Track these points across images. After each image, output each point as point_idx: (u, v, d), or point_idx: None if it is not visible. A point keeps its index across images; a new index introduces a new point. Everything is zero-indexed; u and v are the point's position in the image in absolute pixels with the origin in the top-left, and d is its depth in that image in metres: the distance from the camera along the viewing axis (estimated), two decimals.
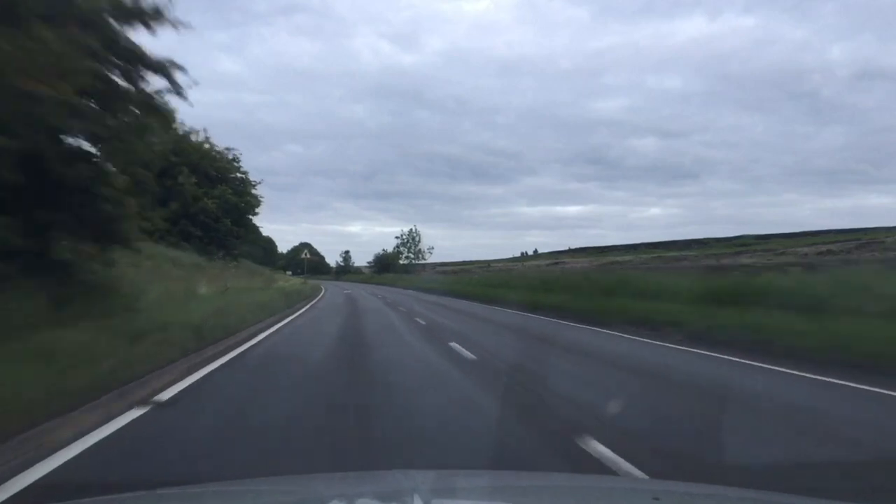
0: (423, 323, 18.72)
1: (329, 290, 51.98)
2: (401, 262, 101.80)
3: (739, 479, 3.80)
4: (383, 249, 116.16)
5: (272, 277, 44.98)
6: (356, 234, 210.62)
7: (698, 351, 11.73)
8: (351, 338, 14.44)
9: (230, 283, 21.50)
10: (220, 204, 30.12)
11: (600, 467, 4.46)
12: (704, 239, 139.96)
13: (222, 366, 9.68)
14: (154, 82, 11.43)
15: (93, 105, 10.35)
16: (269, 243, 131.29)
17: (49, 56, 8.47)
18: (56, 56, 8.55)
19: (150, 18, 10.55)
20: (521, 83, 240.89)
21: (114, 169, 11.92)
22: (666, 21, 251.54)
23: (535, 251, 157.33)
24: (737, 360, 10.59)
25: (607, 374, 9.72)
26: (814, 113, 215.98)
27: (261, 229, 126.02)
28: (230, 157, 33.29)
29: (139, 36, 10.92)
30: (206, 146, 31.73)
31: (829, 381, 8.52)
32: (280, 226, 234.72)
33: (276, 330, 15.88)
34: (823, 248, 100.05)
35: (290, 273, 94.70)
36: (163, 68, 11.00)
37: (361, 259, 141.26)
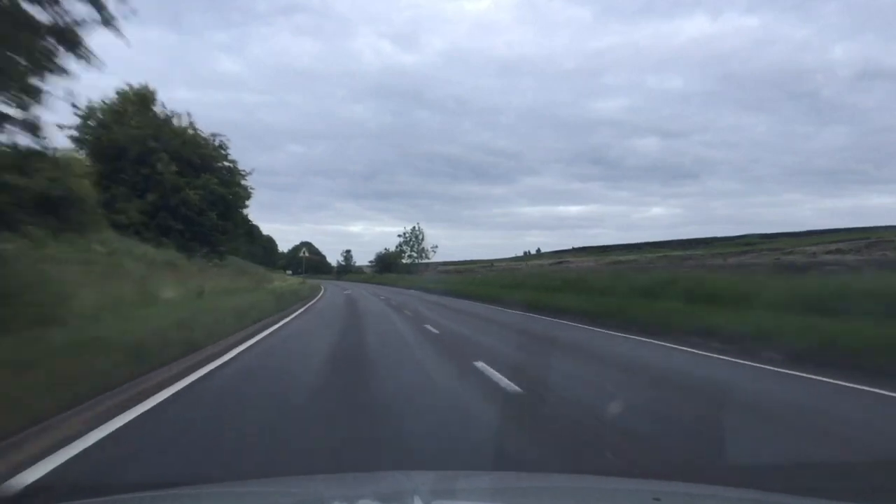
0: (436, 331, 15.52)
1: (329, 291, 48.80)
2: (403, 261, 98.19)
3: None
4: (385, 248, 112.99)
5: (267, 277, 41.76)
6: (358, 233, 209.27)
7: (838, 382, 8.47)
8: (348, 355, 11.22)
9: (209, 284, 18.27)
10: (205, 195, 26.81)
11: None
12: (708, 238, 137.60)
13: (157, 407, 6.45)
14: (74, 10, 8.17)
15: None
16: (270, 242, 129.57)
17: None
18: None
19: None
20: (522, 83, 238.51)
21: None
22: (667, 21, 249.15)
23: (538, 250, 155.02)
24: None
25: (752, 428, 5.90)
26: (815, 113, 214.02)
27: (260, 228, 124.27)
28: (216, 143, 30.25)
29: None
30: (191, 132, 28.47)
31: None
32: (281, 225, 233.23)
33: (256, 343, 12.66)
34: (832, 247, 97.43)
35: (290, 272, 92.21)
36: None
37: (363, 258, 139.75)
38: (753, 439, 5.46)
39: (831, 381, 8.31)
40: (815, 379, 8.52)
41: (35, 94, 7.92)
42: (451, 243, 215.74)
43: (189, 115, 29.12)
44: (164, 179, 25.45)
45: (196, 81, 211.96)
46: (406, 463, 4.55)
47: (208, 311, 13.90)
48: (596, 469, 4.46)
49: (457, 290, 41.13)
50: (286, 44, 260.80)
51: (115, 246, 17.24)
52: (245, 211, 31.69)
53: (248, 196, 30.81)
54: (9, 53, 7.81)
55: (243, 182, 30.17)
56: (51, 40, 7.95)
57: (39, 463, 4.40)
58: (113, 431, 5.36)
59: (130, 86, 26.90)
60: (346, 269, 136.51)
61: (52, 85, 8.10)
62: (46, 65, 8.12)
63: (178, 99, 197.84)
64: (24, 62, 8.03)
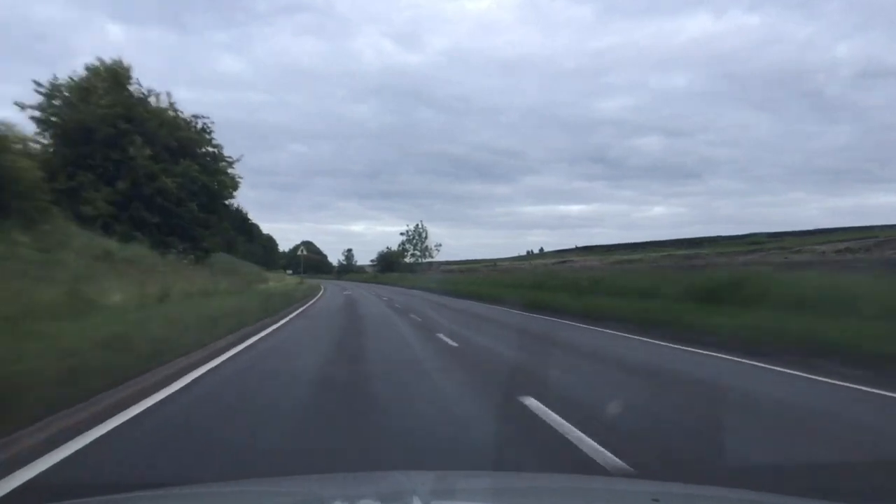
0: (453, 344, 12.30)
1: (328, 291, 45.52)
2: (406, 260, 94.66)
3: None
4: (387, 247, 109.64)
5: (261, 277, 38.54)
6: (359, 233, 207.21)
7: None
8: (341, 386, 7.91)
9: (181, 285, 15.02)
10: (184, 183, 23.42)
11: None
12: (712, 237, 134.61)
13: None
14: None
15: None
16: (270, 242, 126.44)
17: None
18: None
19: None
20: (524, 82, 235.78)
21: None
22: (670, 20, 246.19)
23: (541, 250, 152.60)
24: None
25: None
26: (818, 111, 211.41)
27: (261, 227, 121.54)
28: (199, 125, 26.98)
29: None
30: (171, 113, 25.10)
31: None
32: (282, 225, 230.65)
33: (219, 365, 9.40)
34: (841, 246, 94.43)
35: (290, 272, 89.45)
36: None
37: (364, 258, 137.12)
38: None
39: None
40: None
41: None
42: (453, 243, 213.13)
43: (169, 94, 26.18)
44: (137, 165, 22.08)
45: (197, 81, 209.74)
46: None
47: (165, 321, 10.64)
48: None
49: (463, 290, 37.86)
50: (288, 43, 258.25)
51: (59, 238, 13.94)
52: (233, 202, 28.22)
53: (235, 186, 27.52)
54: None
55: (230, 170, 26.97)
56: None
57: None
58: None
59: (102, 61, 23.68)
60: (348, 269, 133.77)
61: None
62: None
63: (179, 99, 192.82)
64: None
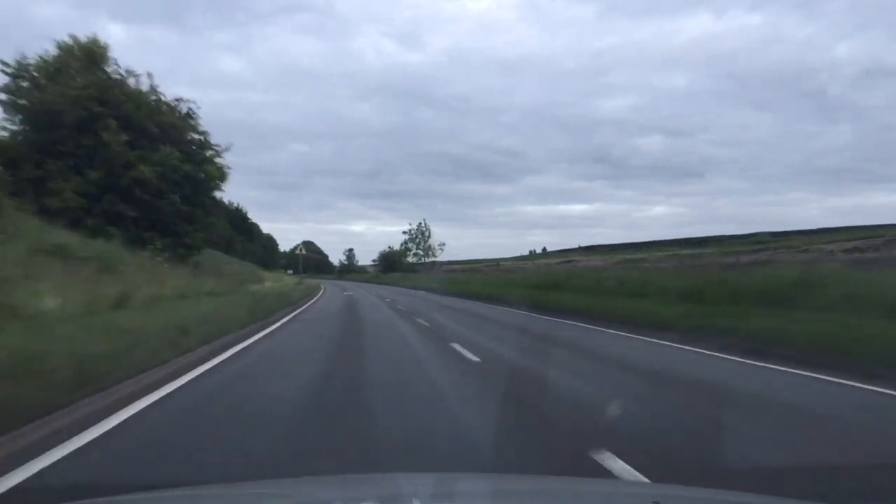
0: (475, 359, 9.98)
1: (327, 292, 43.16)
2: (408, 259, 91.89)
3: None
4: (389, 247, 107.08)
5: (256, 276, 36.19)
6: (360, 233, 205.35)
7: None
8: (337, 426, 5.51)
9: (149, 287, 12.65)
10: (165, 173, 20.97)
11: None
12: (717, 237, 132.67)
13: None
14: None
15: None
16: (270, 242, 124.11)
17: None
18: None
19: None
20: (525, 82, 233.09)
21: None
22: (671, 19, 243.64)
23: (544, 249, 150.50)
24: None
25: None
26: (820, 111, 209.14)
27: (261, 227, 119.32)
28: (183, 110, 24.02)
29: None
30: (154, 98, 22.55)
31: None
32: (283, 225, 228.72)
33: (174, 392, 7.09)
34: (848, 245, 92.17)
35: (290, 272, 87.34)
36: None
37: (366, 258, 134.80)
38: None
39: None
40: None
41: None
42: (454, 242, 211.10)
43: (150, 75, 23.56)
44: (111, 153, 19.59)
45: (198, 81, 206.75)
46: None
47: (113, 333, 8.27)
48: None
49: (470, 290, 35.46)
50: (288, 43, 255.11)
51: (10, 232, 11.55)
52: (230, 200, 25.45)
53: (224, 177, 24.92)
54: None
55: (218, 160, 24.50)
56: None
57: None
58: None
59: (76, 39, 21.20)
60: (349, 269, 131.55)
61: None
62: None
63: (179, 98, 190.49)
64: None
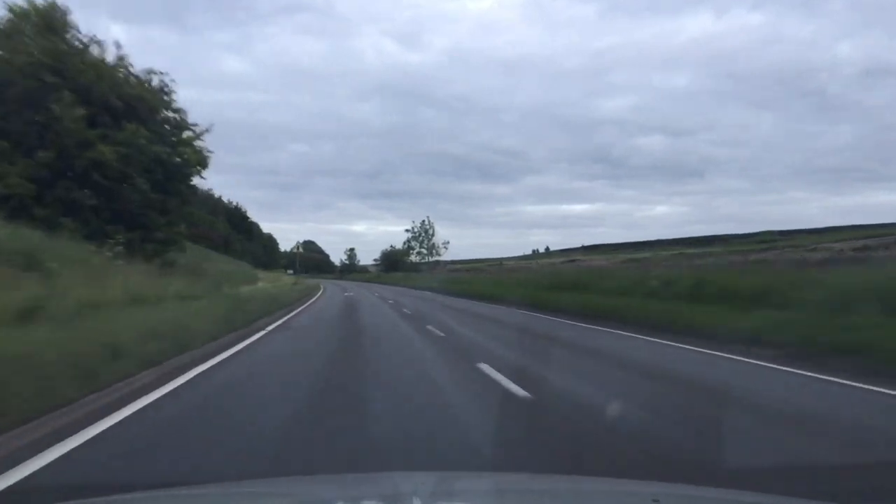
0: (523, 393, 6.68)
1: (327, 293, 39.99)
2: (412, 258, 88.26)
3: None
4: (391, 246, 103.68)
5: (248, 276, 32.98)
6: (362, 233, 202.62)
7: None
8: None
9: (79, 292, 9.40)
10: (130, 154, 17.56)
11: None
12: (722, 235, 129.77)
13: None
14: None
15: None
16: (270, 241, 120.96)
17: None
18: None
19: None
20: (526, 82, 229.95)
21: None
22: (672, 18, 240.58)
23: (547, 249, 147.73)
24: None
25: None
26: (821, 110, 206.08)
27: (261, 227, 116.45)
28: (155, 83, 20.20)
29: None
30: (122, 73, 19.12)
31: None
32: (285, 225, 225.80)
33: (34, 473, 3.72)
34: (858, 243, 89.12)
35: (290, 272, 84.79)
36: None
37: (367, 257, 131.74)
38: None
39: None
40: None
41: None
42: (456, 242, 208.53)
43: (118, 45, 20.09)
44: (65, 130, 16.17)
45: (198, 81, 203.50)
46: None
47: None
48: None
49: (478, 291, 32.20)
50: (289, 43, 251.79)
51: None
52: (201, 183, 21.76)
53: (204, 162, 21.23)
54: None
55: (197, 143, 20.98)
56: None
57: None
58: None
59: (32, 2, 17.73)
60: (350, 269, 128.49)
61: None
62: None
63: (181, 98, 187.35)
64: None
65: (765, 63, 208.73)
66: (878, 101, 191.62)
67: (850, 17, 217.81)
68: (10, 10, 17.38)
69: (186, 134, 20.24)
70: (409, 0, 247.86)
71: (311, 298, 31.37)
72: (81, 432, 4.93)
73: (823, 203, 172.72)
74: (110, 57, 18.64)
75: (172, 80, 19.86)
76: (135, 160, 17.36)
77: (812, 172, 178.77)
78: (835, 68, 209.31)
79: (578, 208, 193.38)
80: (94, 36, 18.65)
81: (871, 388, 7.14)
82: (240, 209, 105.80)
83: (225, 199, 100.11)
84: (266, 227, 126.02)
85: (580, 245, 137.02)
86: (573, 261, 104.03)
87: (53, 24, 17.57)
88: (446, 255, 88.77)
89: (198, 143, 20.36)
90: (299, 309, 22.83)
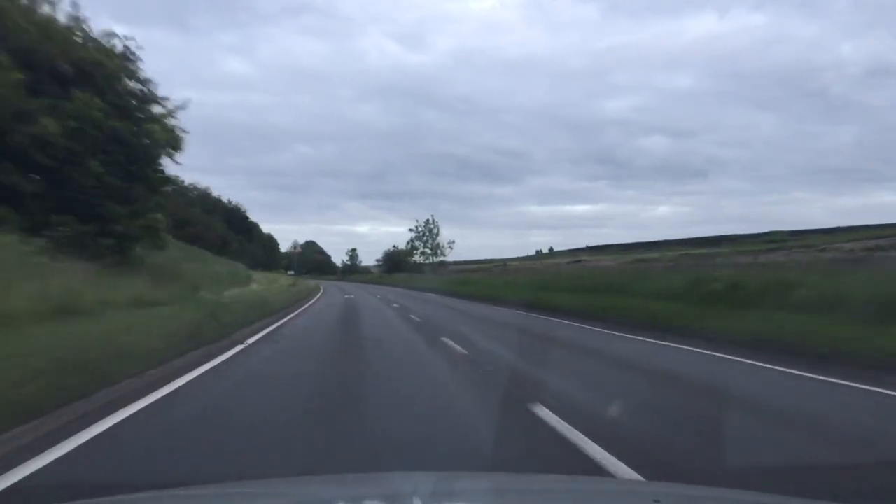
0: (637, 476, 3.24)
1: (326, 295, 36.86)
2: (415, 258, 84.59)
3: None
4: (394, 246, 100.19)
5: (240, 278, 29.83)
6: (364, 234, 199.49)
7: None
8: None
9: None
10: (82, 130, 14.44)
11: None
12: (731, 235, 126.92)
13: None
14: None
15: None
16: (270, 242, 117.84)
17: None
18: None
19: None
20: (529, 83, 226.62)
21: None
22: (675, 19, 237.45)
23: (551, 249, 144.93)
24: None
25: None
26: (825, 111, 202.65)
27: (261, 227, 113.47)
28: (118, 49, 16.62)
29: None
30: (78, 35, 15.82)
31: None
32: (288, 226, 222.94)
33: None
34: (870, 243, 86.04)
35: (291, 273, 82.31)
36: None
37: (369, 258, 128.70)
38: None
39: None
40: None
41: None
42: (459, 243, 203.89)
43: (74, 4, 16.55)
44: None
45: (201, 82, 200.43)
46: None
47: None
48: None
49: (491, 294, 28.95)
50: (293, 44, 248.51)
51: None
52: (170, 166, 18.24)
53: (177, 143, 17.73)
54: None
55: (169, 121, 17.55)
56: None
57: None
58: None
59: None
60: (352, 269, 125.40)
61: None
62: None
63: (183, 100, 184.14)
64: None
65: (767, 63, 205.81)
66: (881, 101, 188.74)
67: (853, 18, 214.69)
68: None
69: (159, 111, 16.99)
70: (412, 1, 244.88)
71: (307, 302, 28.20)
72: None
73: (826, 204, 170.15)
74: (62, 16, 15.34)
75: (140, 47, 16.57)
76: (88, 137, 14.09)
77: (815, 173, 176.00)
78: (838, 69, 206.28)
79: (581, 209, 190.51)
80: None
81: None
82: (239, 209, 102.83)
83: (224, 200, 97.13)
84: (269, 229, 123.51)
85: (584, 246, 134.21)
86: (579, 261, 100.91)
87: None
88: (451, 256, 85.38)
89: (170, 121, 17.11)
90: (292, 315, 19.66)
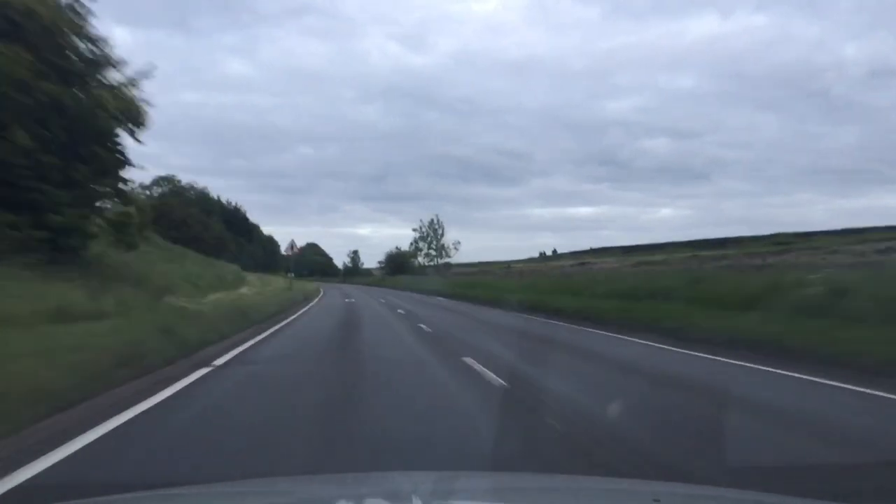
0: None
1: (324, 299, 33.75)
2: (419, 259, 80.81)
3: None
4: (397, 247, 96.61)
5: (228, 281, 26.68)
6: (366, 236, 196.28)
7: None
8: None
9: None
10: (3, 92, 10.69)
11: None
12: (736, 237, 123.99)
13: None
14: None
15: None
16: (270, 243, 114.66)
17: None
18: None
19: None
20: (532, 84, 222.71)
21: None
22: (677, 20, 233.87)
23: (555, 251, 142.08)
24: None
25: None
26: (827, 112, 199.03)
27: (261, 229, 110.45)
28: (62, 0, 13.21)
29: None
30: None
31: None
32: (289, 228, 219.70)
33: None
34: (881, 245, 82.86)
35: (292, 275, 79.31)
36: None
37: (371, 260, 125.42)
38: None
39: None
40: None
41: None
42: (462, 245, 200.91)
43: None
44: None
45: (204, 84, 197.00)
46: None
47: None
48: None
49: (506, 299, 25.61)
50: (295, 45, 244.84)
51: None
52: (137, 147, 14.49)
53: (137, 116, 14.11)
54: None
55: (129, 90, 13.99)
56: None
57: None
58: None
59: None
60: (354, 272, 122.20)
61: None
62: None
63: (185, 101, 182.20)
64: None
65: (770, 64, 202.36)
66: (884, 102, 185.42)
67: (856, 18, 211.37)
68: None
69: (118, 79, 13.62)
70: (414, 2, 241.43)
71: (302, 307, 24.98)
72: None
73: (829, 205, 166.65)
74: None
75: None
76: (11, 102, 10.86)
77: (818, 174, 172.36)
78: (840, 69, 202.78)
79: (583, 211, 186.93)
80: None
81: None
82: (239, 210, 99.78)
83: (223, 200, 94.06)
84: (271, 231, 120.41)
85: (588, 248, 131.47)
86: (583, 263, 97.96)
87: None
88: (455, 258, 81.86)
89: (131, 91, 13.70)
90: (282, 324, 16.46)
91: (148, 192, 72.26)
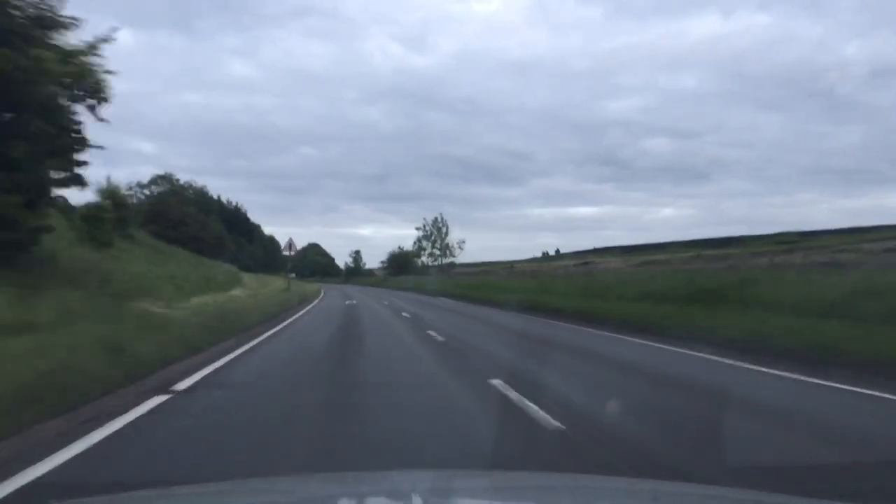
0: None
1: (324, 301, 31.54)
2: (423, 259, 78.12)
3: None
4: (399, 247, 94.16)
5: (220, 283, 24.50)
6: (368, 237, 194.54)
7: None
8: None
9: None
10: None
11: None
12: (740, 237, 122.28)
13: None
14: None
15: None
16: (271, 244, 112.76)
17: None
18: None
19: None
20: (534, 84, 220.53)
21: None
22: (679, 20, 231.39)
23: (557, 251, 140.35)
24: None
25: None
26: (830, 111, 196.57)
27: (262, 229, 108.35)
28: None
29: None
30: None
31: None
32: (291, 228, 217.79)
33: None
34: (889, 244, 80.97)
35: (292, 276, 77.48)
36: None
37: (373, 260, 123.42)
38: None
39: None
40: None
41: None
42: (465, 244, 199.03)
43: None
44: None
45: (206, 85, 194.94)
46: None
47: None
48: None
49: (522, 301, 23.40)
50: (296, 46, 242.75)
51: None
52: (98, 123, 11.92)
53: (99, 88, 11.71)
54: None
55: (87, 54, 11.56)
56: None
57: None
58: None
59: None
60: (356, 272, 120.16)
61: None
62: None
63: (187, 102, 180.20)
64: None
65: (772, 64, 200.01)
66: (887, 102, 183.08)
67: (858, 18, 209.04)
68: None
69: (73, 46, 11.24)
70: (416, 3, 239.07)
71: (298, 311, 22.71)
72: None
73: (832, 205, 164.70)
74: None
75: None
76: None
77: (820, 174, 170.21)
78: (843, 69, 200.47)
79: (585, 211, 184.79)
80: None
81: None
82: (240, 210, 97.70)
83: (224, 200, 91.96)
84: (273, 231, 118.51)
85: (591, 248, 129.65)
86: (587, 263, 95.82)
87: None
88: (458, 257, 79.38)
89: (88, 59, 11.33)
90: (271, 332, 14.17)
91: (147, 192, 70.49)
